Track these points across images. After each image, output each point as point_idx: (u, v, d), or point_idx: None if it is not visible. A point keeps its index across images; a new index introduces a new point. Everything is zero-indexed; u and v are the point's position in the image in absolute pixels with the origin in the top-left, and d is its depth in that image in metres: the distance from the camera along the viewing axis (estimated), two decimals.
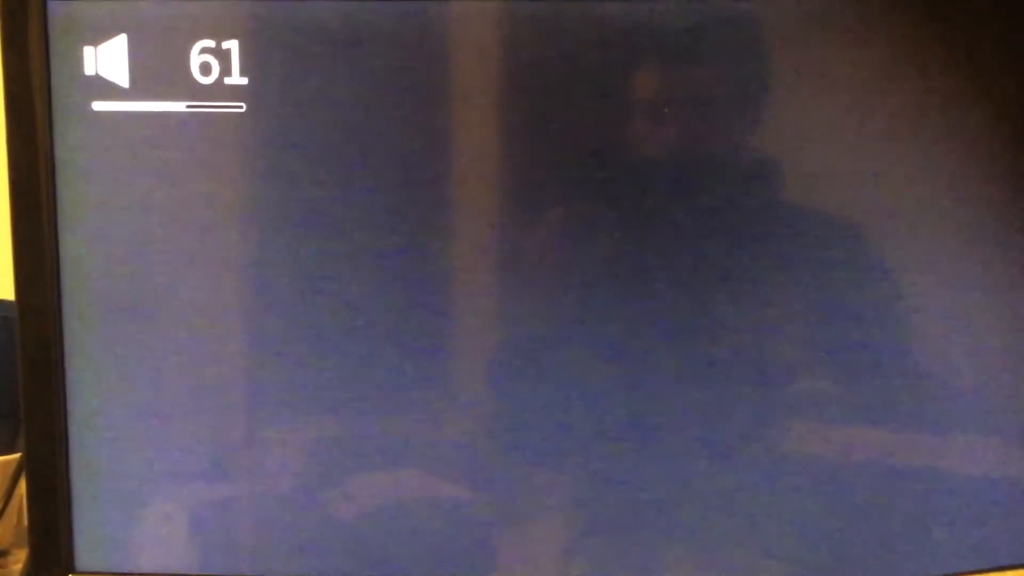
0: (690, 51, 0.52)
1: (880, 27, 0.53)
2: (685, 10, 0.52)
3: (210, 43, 0.52)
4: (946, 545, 0.56)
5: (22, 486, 0.61)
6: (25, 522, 0.59)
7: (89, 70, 0.52)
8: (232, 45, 0.52)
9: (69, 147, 0.53)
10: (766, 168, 0.54)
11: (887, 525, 0.55)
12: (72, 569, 0.56)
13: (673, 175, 0.53)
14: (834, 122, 0.53)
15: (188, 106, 0.53)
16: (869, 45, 0.53)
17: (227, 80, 0.52)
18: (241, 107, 0.52)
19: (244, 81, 0.52)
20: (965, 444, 0.56)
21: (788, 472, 0.55)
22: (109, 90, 0.52)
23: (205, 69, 0.52)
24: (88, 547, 0.56)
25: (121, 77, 0.52)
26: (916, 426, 0.55)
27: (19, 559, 0.73)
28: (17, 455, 0.72)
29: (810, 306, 0.54)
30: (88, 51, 0.52)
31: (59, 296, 0.54)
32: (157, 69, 0.52)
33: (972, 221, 0.55)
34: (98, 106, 0.53)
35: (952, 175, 0.54)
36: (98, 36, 0.52)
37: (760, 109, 0.53)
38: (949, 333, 0.55)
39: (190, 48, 0.52)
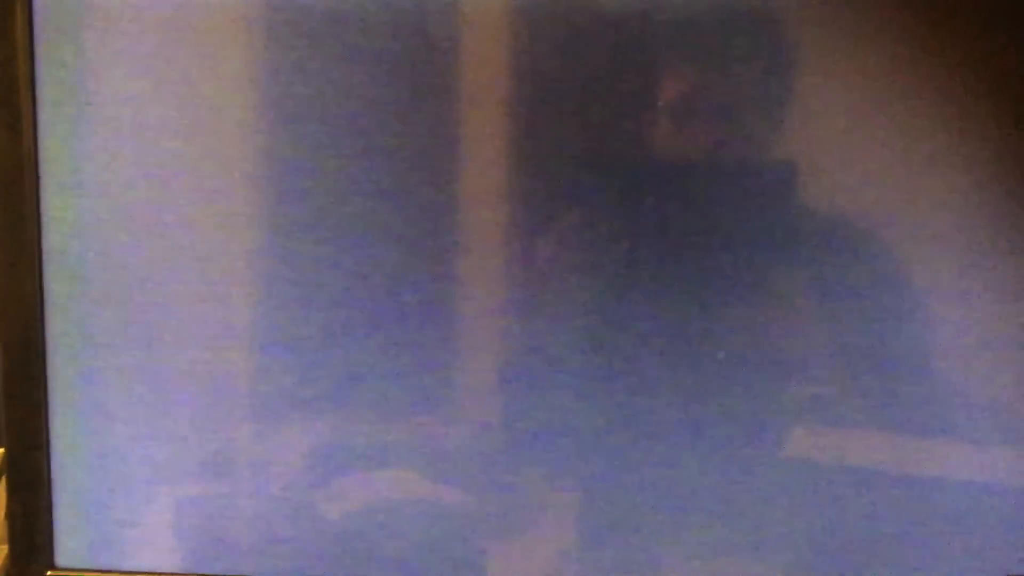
0: (704, 50, 0.51)
1: (906, 25, 0.51)
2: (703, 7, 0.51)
3: None
4: (955, 553, 0.55)
5: (3, 482, 0.60)
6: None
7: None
8: None
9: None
10: (775, 170, 0.53)
11: (895, 531, 0.55)
12: (52, 565, 0.56)
13: (675, 176, 0.52)
14: (848, 122, 0.52)
15: None
16: (891, 43, 0.52)
17: None
18: None
19: None
20: (976, 451, 0.55)
21: (796, 477, 0.54)
22: None
23: None
24: (69, 543, 0.56)
25: None
26: (925, 431, 0.54)
27: (2, 553, 0.73)
28: None
29: (817, 309, 0.54)
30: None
31: (41, 287, 0.53)
32: None
33: (989, 226, 0.53)
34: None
35: (969, 179, 0.53)
36: None
37: (773, 110, 0.52)
38: (960, 338, 0.54)
39: None
